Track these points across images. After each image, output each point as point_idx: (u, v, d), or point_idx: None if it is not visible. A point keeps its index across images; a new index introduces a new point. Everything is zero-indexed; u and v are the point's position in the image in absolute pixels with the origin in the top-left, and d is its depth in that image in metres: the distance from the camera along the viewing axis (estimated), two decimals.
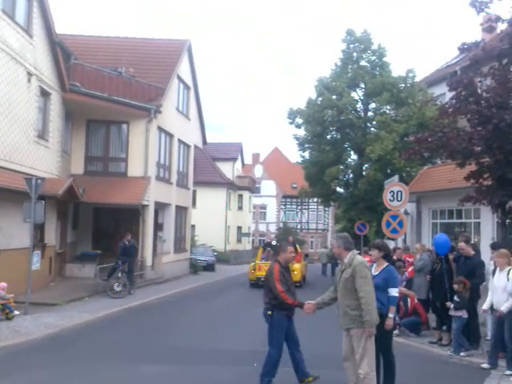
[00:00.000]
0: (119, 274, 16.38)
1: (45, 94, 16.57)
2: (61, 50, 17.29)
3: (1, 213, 13.42)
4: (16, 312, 11.70)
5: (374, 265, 6.88)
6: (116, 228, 19.96)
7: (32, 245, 12.91)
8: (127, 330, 11.32)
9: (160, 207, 22.71)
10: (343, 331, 6.09)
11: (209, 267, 30.52)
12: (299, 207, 66.52)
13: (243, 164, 53.12)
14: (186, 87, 25.78)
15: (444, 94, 19.08)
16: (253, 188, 51.77)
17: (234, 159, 47.07)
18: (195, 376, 7.56)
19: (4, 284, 11.77)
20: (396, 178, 14.74)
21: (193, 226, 30.48)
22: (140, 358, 8.54)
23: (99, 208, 19.86)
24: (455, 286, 9.24)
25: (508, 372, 7.84)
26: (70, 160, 19.76)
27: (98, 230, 20.69)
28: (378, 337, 6.49)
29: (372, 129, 25.90)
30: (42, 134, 16.42)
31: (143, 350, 9.19)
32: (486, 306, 8.52)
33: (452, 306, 9.17)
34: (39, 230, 15.68)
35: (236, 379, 7.49)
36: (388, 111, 25.56)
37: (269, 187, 62.28)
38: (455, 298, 9.20)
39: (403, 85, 25.06)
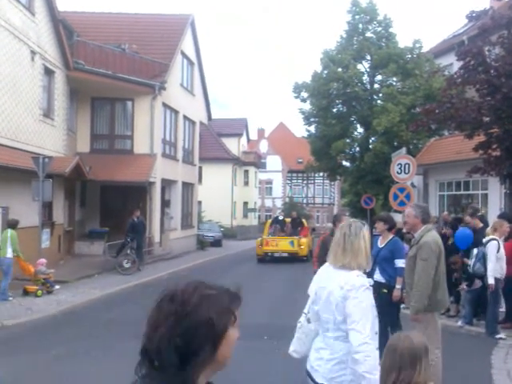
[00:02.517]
0: (128, 251, 16.51)
1: (49, 73, 16.48)
2: (63, 28, 17.14)
3: (9, 192, 13.49)
4: (56, 286, 12.35)
5: (380, 237, 6.92)
6: (123, 205, 20.05)
7: (41, 223, 13.02)
8: (138, 306, 11.42)
9: (166, 184, 22.75)
10: None
11: (216, 243, 30.72)
12: (305, 182, 66.46)
13: (248, 140, 52.97)
14: (190, 63, 25.55)
15: (451, 64, 18.84)
16: (258, 163, 51.72)
17: (240, 135, 46.93)
18: None
19: (44, 260, 12.22)
20: (403, 150, 14.60)
21: (199, 203, 30.57)
22: None
23: (106, 186, 19.91)
24: (452, 267, 9.28)
25: None
26: (75, 138, 19.76)
27: (106, 207, 20.79)
28: (386, 308, 6.56)
29: (378, 101, 25.58)
30: (48, 113, 16.38)
31: None
32: (490, 280, 8.36)
33: (465, 285, 9.18)
34: (47, 208, 15.77)
35: (246, 352, 7.57)
36: (394, 83, 25.21)
37: (274, 162, 62.17)
38: (456, 274, 9.26)
39: (410, 56, 24.65)
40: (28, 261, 12.28)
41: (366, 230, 3.50)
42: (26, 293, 11.67)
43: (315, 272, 7.29)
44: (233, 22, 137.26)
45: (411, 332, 2.66)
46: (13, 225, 11.44)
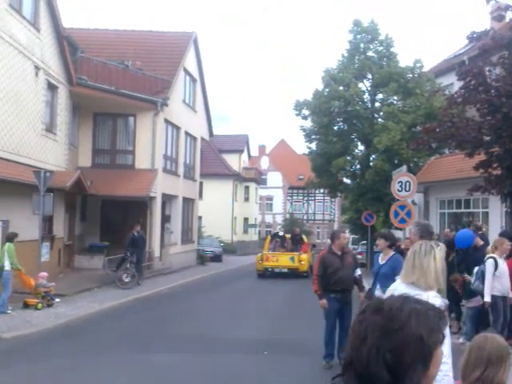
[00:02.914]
0: (128, 265, 16.48)
1: (52, 88, 16.62)
2: (68, 44, 17.33)
3: (10, 206, 13.52)
4: (57, 300, 12.34)
5: (381, 254, 6.95)
6: (123, 220, 20.05)
7: (41, 237, 13.01)
8: (137, 320, 11.41)
9: (167, 199, 22.79)
10: None
11: (216, 258, 30.65)
12: (305, 198, 66.50)
13: (249, 156, 53.12)
14: (193, 79, 25.76)
15: (452, 84, 18.99)
16: (259, 179, 51.81)
17: (241, 151, 47.09)
18: (206, 364, 7.63)
19: (45, 273, 12.23)
20: (404, 168, 14.64)
21: (200, 218, 30.57)
22: (151, 347, 8.62)
23: (107, 200, 19.94)
24: (453, 284, 9.28)
25: None
26: (77, 153, 19.85)
27: (106, 221, 20.79)
28: None
29: (379, 119, 25.74)
30: (50, 128, 16.49)
31: (154, 339, 9.27)
32: (486, 297, 8.41)
33: (465, 302, 9.16)
34: (48, 222, 15.78)
35: (247, 367, 7.55)
36: (395, 102, 25.37)
37: (275, 179, 62.26)
38: (457, 289, 9.24)
39: (411, 75, 24.85)
40: (28, 274, 12.27)
41: (438, 251, 3.57)
42: (26, 306, 11.64)
43: (317, 294, 7.34)
44: (233, 22, 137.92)
45: (494, 334, 2.85)
46: (10, 238, 11.41)
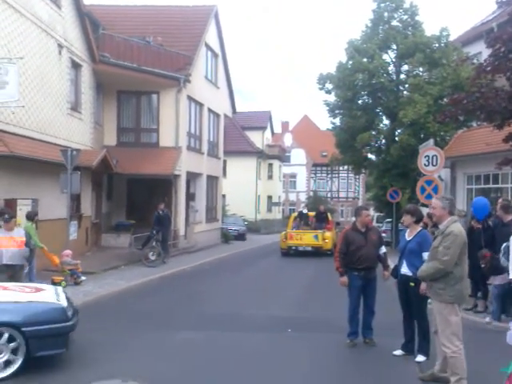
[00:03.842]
0: (153, 243, 16.65)
1: (76, 66, 16.68)
2: (89, 21, 17.30)
3: (39, 185, 13.73)
4: (83, 277, 12.47)
5: (407, 230, 6.83)
6: (149, 198, 20.21)
7: (69, 215, 13.19)
8: (163, 298, 11.55)
9: (191, 177, 22.86)
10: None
11: (240, 236, 30.78)
12: (329, 176, 66.09)
13: (273, 133, 52.83)
14: (214, 55, 25.54)
15: (480, 53, 18.39)
16: (283, 157, 51.56)
17: (264, 128, 46.85)
18: (231, 342, 7.68)
19: (69, 251, 12.39)
20: (431, 141, 14.33)
21: (223, 196, 30.65)
22: (176, 324, 8.72)
23: (132, 179, 20.11)
24: (481, 261, 9.09)
25: None
26: (102, 131, 19.98)
27: (132, 200, 21.00)
28: (413, 302, 6.48)
29: (404, 92, 25.17)
30: (75, 106, 16.59)
31: (179, 316, 9.37)
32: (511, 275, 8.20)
33: (492, 279, 8.99)
34: (75, 201, 16.01)
35: (271, 345, 7.58)
36: (421, 73, 24.73)
37: (299, 156, 61.94)
38: (484, 268, 9.07)
39: (437, 45, 24.15)
40: (57, 253, 12.49)
41: None
42: (53, 283, 11.84)
43: (338, 271, 7.31)
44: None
45: None
46: (30, 217, 11.49)
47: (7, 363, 5.81)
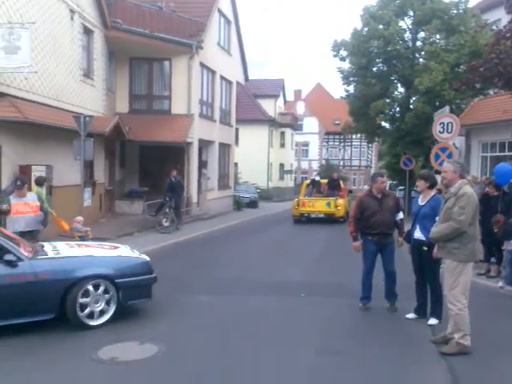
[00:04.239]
0: (167, 210, 16.80)
1: (88, 32, 16.56)
2: None
3: (53, 151, 13.83)
4: None
5: (421, 195, 6.85)
6: (161, 166, 20.28)
7: (83, 182, 13.31)
8: (177, 263, 11.71)
9: (204, 145, 22.85)
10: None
11: (252, 204, 30.90)
12: (342, 144, 65.73)
13: (285, 101, 52.35)
14: (227, 21, 25.17)
15: (499, 19, 17.96)
16: (295, 125, 51.21)
17: (276, 96, 46.40)
18: (244, 305, 7.81)
19: (80, 218, 12.40)
20: (447, 108, 14.16)
21: (236, 164, 30.65)
22: (191, 289, 8.86)
23: (145, 146, 20.16)
24: (494, 227, 9.10)
25: None
26: (114, 98, 19.95)
27: (145, 167, 21.10)
28: (426, 266, 6.53)
29: (420, 59, 24.72)
30: (87, 73, 16.54)
31: (194, 281, 9.52)
32: None
33: (506, 244, 9.00)
34: (89, 168, 16.13)
35: (284, 308, 7.70)
36: (438, 40, 24.24)
37: (311, 124, 61.50)
38: (497, 230, 9.07)
39: (455, 11, 23.59)
40: (72, 219, 12.65)
41: None
42: None
43: (351, 236, 7.37)
44: None
45: None
46: (38, 182, 11.50)
47: (102, 312, 6.48)
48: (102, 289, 6.44)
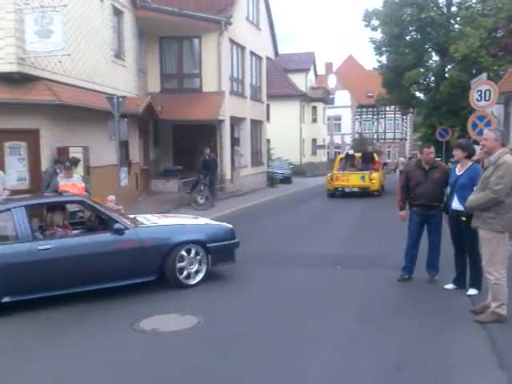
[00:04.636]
0: (201, 187, 16.98)
1: (118, 13, 16.64)
2: None
3: (89, 132, 14.08)
4: None
5: (458, 165, 6.70)
6: (194, 144, 20.42)
7: (119, 162, 13.55)
8: None
9: (235, 122, 22.85)
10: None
11: (285, 180, 30.89)
12: (375, 117, 64.64)
13: (316, 75, 51.64)
14: None
15: None
16: (327, 99, 50.55)
17: (307, 70, 45.81)
18: (281, 277, 7.89)
19: (112, 197, 12.62)
20: (484, 75, 13.77)
21: (268, 141, 30.59)
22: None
23: (177, 125, 20.31)
24: None
25: None
26: (146, 78, 20.09)
27: (178, 146, 21.28)
28: (465, 236, 6.43)
29: (456, 26, 24.01)
30: (119, 54, 16.68)
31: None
32: None
33: None
34: (124, 148, 16.37)
35: (322, 280, 7.75)
36: (474, 4, 23.44)
37: (343, 97, 60.56)
38: None
39: None
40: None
41: None
42: None
43: (398, 205, 7.33)
44: None
45: None
46: (73, 163, 11.73)
47: (196, 272, 7.29)
48: (193, 252, 7.22)
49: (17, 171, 12.10)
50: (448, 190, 7.17)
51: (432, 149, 7.41)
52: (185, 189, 17.87)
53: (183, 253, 7.11)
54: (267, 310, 6.25)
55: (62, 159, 10.80)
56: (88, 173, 13.68)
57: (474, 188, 6.14)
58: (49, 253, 6.28)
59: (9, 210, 6.42)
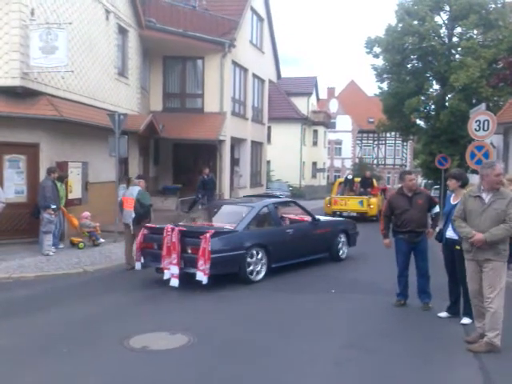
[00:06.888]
0: (199, 207, 16.96)
1: (122, 31, 16.85)
2: None
3: (88, 148, 14.14)
4: (101, 240, 12.57)
5: (453, 194, 6.74)
6: (194, 163, 20.49)
7: (118, 178, 13.57)
8: None
9: (236, 142, 22.95)
10: (473, 267, 5.73)
11: None
12: (376, 142, 64.93)
13: (318, 99, 52.07)
14: (260, 19, 25.19)
15: None
16: (328, 123, 50.86)
17: (309, 94, 46.19)
18: (275, 299, 7.83)
19: (87, 213, 12.60)
20: (483, 106, 13.88)
21: (268, 162, 30.66)
22: (220, 288, 8.92)
23: (178, 144, 20.40)
24: None
25: None
26: (148, 97, 20.24)
27: (178, 165, 21.34)
28: (458, 265, 6.41)
29: (457, 56, 24.26)
30: (122, 72, 16.84)
31: (226, 276, 9.57)
32: None
33: None
34: (124, 164, 16.41)
35: (315, 305, 7.69)
36: (475, 36, 23.76)
37: (344, 122, 60.97)
38: None
39: (493, 6, 23.09)
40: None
41: None
42: (72, 244, 11.98)
43: (382, 233, 7.34)
44: None
45: None
46: (59, 179, 11.75)
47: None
48: (343, 237, 11.35)
49: (15, 184, 12.12)
50: (435, 210, 7.33)
51: (413, 175, 7.49)
52: (183, 207, 17.85)
53: (342, 236, 11.22)
54: (257, 332, 6.21)
55: (54, 168, 11.46)
56: (86, 188, 13.71)
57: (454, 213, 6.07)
58: (290, 234, 9.75)
59: (266, 206, 9.68)
